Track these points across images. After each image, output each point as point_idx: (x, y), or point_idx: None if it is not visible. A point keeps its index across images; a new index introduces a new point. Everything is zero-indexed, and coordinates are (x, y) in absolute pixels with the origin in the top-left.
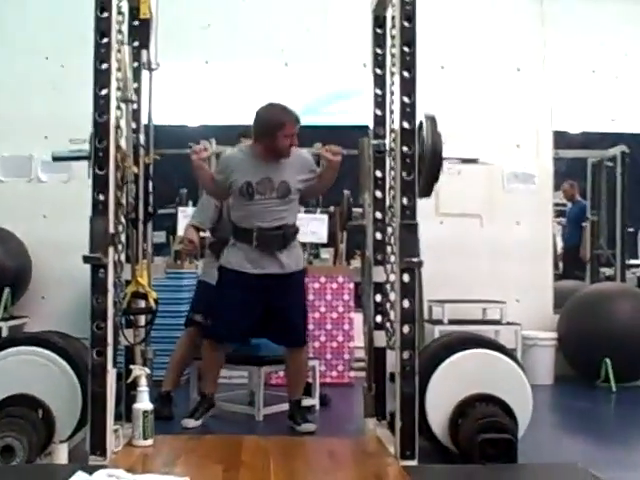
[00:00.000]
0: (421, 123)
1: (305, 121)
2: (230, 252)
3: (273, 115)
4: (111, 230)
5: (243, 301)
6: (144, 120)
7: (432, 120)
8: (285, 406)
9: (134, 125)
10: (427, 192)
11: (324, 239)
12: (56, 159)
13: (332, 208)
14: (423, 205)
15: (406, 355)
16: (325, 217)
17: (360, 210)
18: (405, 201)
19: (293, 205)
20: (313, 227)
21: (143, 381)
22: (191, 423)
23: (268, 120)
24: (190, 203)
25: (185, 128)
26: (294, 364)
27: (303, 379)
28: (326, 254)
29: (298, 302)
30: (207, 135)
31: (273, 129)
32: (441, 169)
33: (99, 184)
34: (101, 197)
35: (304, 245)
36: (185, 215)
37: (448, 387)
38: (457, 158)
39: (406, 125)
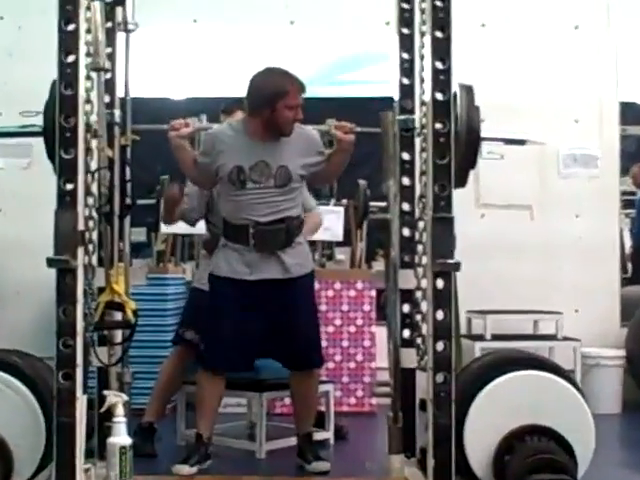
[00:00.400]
0: (454, 94)
1: (313, 92)
2: (220, 255)
3: (272, 82)
4: (80, 227)
5: (241, 317)
6: (120, 93)
7: (467, 90)
8: (292, 440)
9: (107, 99)
10: (461, 181)
11: (340, 236)
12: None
13: (345, 201)
14: (460, 195)
15: (440, 378)
16: (341, 210)
17: (379, 204)
18: (438, 190)
19: (296, 195)
20: (326, 222)
21: (120, 410)
22: (185, 470)
23: (266, 88)
24: None
25: (168, 101)
26: (302, 390)
27: (314, 408)
28: (342, 255)
29: (308, 313)
30: (195, 110)
31: (272, 99)
32: (478, 152)
33: (66, 170)
34: (68, 186)
35: (313, 244)
36: None
37: (492, 417)
38: (500, 139)
39: (439, 96)
